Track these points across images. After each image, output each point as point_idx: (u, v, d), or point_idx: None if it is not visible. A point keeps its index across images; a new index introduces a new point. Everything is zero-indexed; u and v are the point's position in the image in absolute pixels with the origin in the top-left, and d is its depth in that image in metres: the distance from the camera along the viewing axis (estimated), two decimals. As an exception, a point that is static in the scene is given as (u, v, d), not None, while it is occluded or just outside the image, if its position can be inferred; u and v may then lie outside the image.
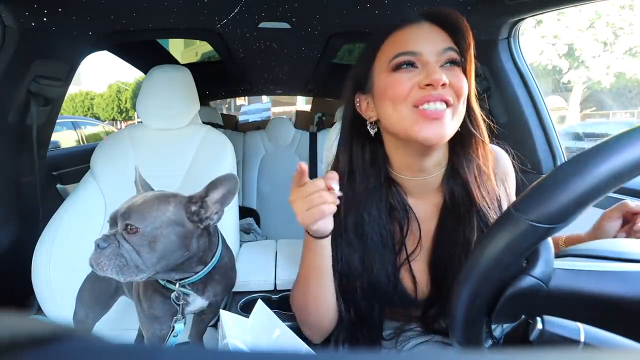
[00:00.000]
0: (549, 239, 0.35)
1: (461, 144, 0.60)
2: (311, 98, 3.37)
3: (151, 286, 0.67)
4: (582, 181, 0.31)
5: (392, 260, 0.61)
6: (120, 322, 0.95)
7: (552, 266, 0.35)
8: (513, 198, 0.67)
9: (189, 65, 1.25)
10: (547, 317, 0.32)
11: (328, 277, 0.61)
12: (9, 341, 0.12)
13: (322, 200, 0.52)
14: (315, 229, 0.55)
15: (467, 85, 0.55)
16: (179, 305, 0.65)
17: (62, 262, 0.95)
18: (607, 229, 0.58)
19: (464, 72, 0.56)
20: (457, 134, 0.57)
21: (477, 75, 0.67)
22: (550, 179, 0.33)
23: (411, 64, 0.55)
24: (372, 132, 0.62)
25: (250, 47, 1.51)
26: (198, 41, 1.67)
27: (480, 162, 0.60)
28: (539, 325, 0.32)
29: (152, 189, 0.68)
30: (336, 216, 0.58)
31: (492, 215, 0.59)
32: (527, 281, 0.34)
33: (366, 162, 0.63)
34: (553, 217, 0.32)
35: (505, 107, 1.10)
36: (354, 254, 0.62)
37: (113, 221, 0.59)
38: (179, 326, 0.66)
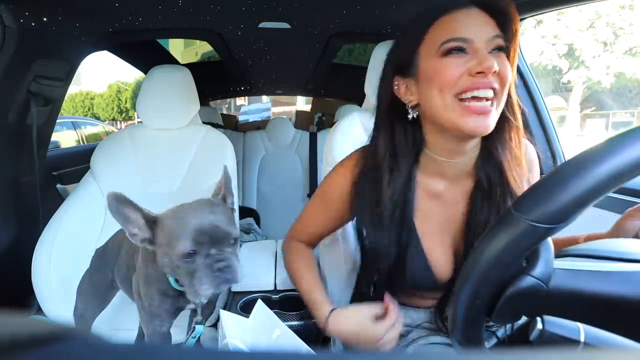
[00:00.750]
0: (549, 239, 0.35)
1: (496, 128, 0.58)
2: (311, 98, 3.37)
3: (153, 283, 0.68)
4: (582, 181, 0.31)
5: (400, 239, 0.63)
6: (120, 322, 0.95)
7: (552, 266, 0.35)
8: None
9: (189, 65, 1.25)
10: (547, 317, 0.32)
11: None
12: (9, 341, 0.12)
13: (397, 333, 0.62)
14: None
15: (511, 72, 0.55)
16: (197, 305, 0.67)
17: (62, 262, 0.95)
18: (628, 227, 0.56)
19: (508, 58, 0.55)
20: None
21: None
22: (550, 179, 0.33)
23: (461, 50, 0.54)
24: (411, 115, 0.61)
25: (250, 47, 1.52)
26: (198, 41, 1.67)
27: (513, 146, 0.60)
28: (539, 325, 0.32)
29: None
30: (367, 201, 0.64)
31: None
32: (527, 281, 0.34)
33: (409, 142, 0.64)
34: (553, 217, 0.32)
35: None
36: (387, 235, 0.64)
37: (211, 243, 0.58)
38: (199, 328, 0.67)
